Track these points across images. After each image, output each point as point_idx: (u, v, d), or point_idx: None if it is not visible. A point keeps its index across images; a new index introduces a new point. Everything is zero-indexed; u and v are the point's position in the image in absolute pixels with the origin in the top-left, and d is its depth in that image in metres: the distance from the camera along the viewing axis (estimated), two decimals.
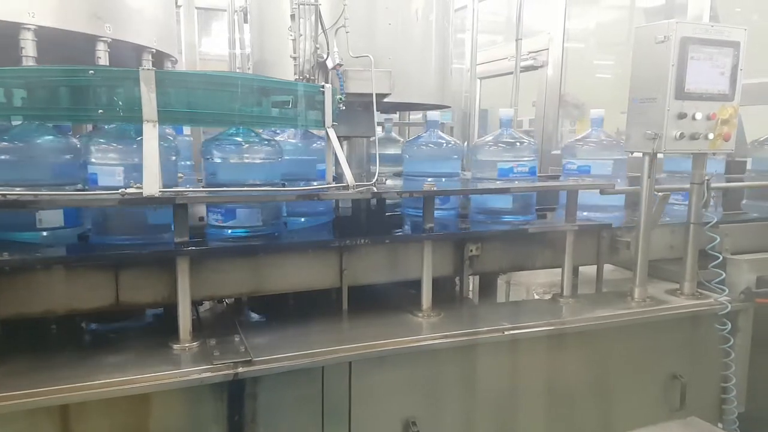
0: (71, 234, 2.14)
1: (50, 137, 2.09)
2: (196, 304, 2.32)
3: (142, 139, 1.95)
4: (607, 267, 2.95)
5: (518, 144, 2.77)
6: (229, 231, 2.28)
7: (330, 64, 2.40)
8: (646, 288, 2.68)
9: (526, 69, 5.79)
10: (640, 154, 2.57)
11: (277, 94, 2.18)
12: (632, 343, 2.58)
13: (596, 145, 3.08)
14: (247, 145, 2.27)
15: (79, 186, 2.15)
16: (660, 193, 2.70)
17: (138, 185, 1.90)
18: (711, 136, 2.49)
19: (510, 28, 5.99)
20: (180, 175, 2.42)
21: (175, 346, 2.01)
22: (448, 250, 2.54)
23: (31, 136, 2.05)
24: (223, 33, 5.24)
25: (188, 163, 2.92)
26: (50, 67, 1.94)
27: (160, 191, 1.91)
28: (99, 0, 2.32)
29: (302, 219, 2.57)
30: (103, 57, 2.34)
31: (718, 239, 2.65)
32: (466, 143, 4.95)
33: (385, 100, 2.58)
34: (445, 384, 2.28)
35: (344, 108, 2.38)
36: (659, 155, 2.55)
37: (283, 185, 2.32)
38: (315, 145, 2.61)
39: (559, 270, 2.67)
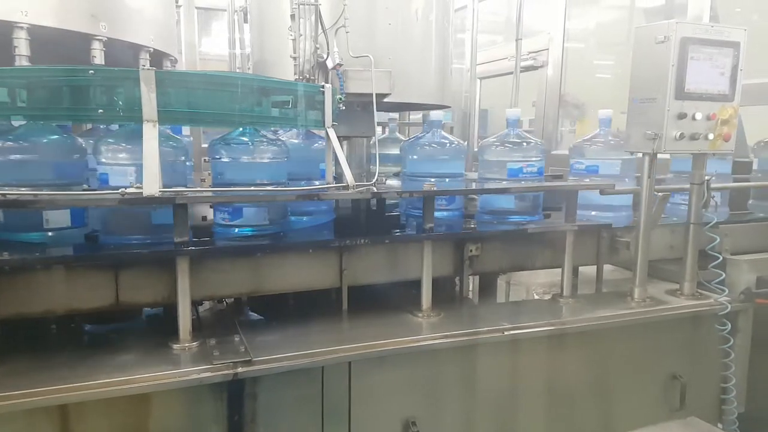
0: (78, 234, 2.14)
1: (56, 137, 2.09)
2: (196, 304, 2.32)
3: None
4: (607, 267, 2.96)
5: (527, 144, 2.78)
6: (236, 230, 2.29)
7: (330, 64, 2.40)
8: (646, 288, 2.68)
9: (526, 69, 5.79)
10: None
11: (277, 94, 2.18)
12: (632, 343, 2.58)
13: (604, 144, 3.08)
14: (253, 145, 2.28)
15: (85, 186, 2.15)
16: (660, 194, 2.70)
17: (138, 185, 1.90)
18: (711, 136, 2.49)
19: (510, 28, 5.99)
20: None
21: (175, 346, 2.01)
22: (448, 250, 2.54)
23: (36, 136, 2.05)
24: (223, 33, 5.24)
25: (188, 163, 2.92)
26: (50, 66, 1.94)
27: (160, 191, 1.91)
28: None
29: (305, 218, 2.58)
30: (98, 56, 2.33)
31: (718, 239, 2.65)
32: (466, 143, 4.94)
33: (385, 100, 2.58)
34: (445, 384, 2.28)
35: (344, 108, 2.38)
36: (665, 155, 2.55)
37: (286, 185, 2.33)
38: (316, 144, 2.61)
39: (559, 270, 2.67)
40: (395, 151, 3.20)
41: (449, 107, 3.10)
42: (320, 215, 2.65)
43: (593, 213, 2.97)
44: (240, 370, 1.90)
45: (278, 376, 1.99)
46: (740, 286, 2.74)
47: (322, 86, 2.26)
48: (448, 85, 3.00)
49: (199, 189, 2.18)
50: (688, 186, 2.70)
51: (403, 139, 3.70)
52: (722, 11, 4.21)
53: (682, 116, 2.42)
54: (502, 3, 7.01)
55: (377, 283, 2.50)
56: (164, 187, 2.03)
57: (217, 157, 2.29)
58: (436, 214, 2.68)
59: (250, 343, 2.06)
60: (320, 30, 2.39)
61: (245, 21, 4.07)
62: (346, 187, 2.28)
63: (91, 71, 1.88)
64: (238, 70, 4.83)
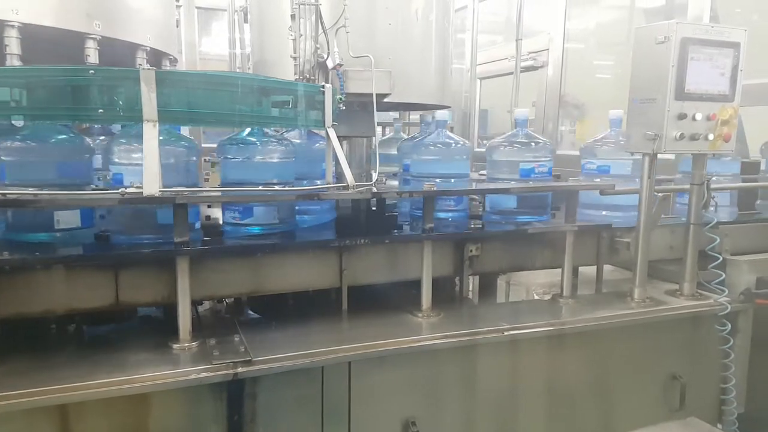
0: (88, 234, 2.14)
1: (63, 137, 2.09)
2: (195, 303, 2.32)
3: (165, 138, 2.02)
4: (607, 267, 2.96)
5: (539, 144, 2.79)
6: (246, 228, 2.31)
7: (330, 64, 2.40)
8: (646, 288, 2.68)
9: (526, 69, 5.81)
10: (639, 155, 2.57)
11: (277, 94, 2.18)
12: (632, 343, 2.58)
13: (615, 145, 3.07)
14: (261, 146, 2.31)
15: (93, 186, 2.15)
16: (660, 194, 2.70)
17: (138, 185, 1.90)
18: (711, 136, 2.49)
19: (510, 29, 6.00)
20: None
21: (175, 346, 2.01)
22: (448, 250, 2.54)
23: (43, 136, 2.05)
24: (224, 33, 5.25)
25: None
26: (50, 66, 1.94)
27: (160, 191, 1.91)
28: None
29: (307, 216, 2.59)
30: (92, 55, 2.33)
31: (718, 240, 2.65)
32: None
33: (385, 100, 2.58)
34: (445, 384, 2.28)
35: (344, 108, 2.38)
36: (670, 156, 2.55)
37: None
38: (317, 144, 2.61)
39: (559, 270, 2.67)
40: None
41: (449, 107, 3.11)
42: (323, 214, 2.67)
43: (603, 213, 2.97)
44: (240, 370, 1.90)
45: (278, 376, 1.99)
46: (740, 286, 2.74)
47: (323, 86, 2.26)
48: (448, 85, 3.00)
49: (199, 189, 2.18)
50: (687, 186, 2.70)
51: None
52: (722, 11, 4.21)
53: (682, 117, 2.42)
54: (502, 3, 7.01)
55: (377, 283, 2.50)
56: (178, 186, 2.08)
57: (226, 157, 2.32)
58: (444, 214, 2.71)
59: (249, 343, 2.06)
60: (320, 30, 2.39)
61: (245, 21, 4.07)
62: (346, 187, 2.28)
63: (92, 71, 1.88)
64: (238, 70, 4.83)
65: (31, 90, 1.86)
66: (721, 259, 2.66)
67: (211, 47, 5.97)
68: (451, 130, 3.82)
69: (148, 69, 1.88)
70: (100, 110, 1.89)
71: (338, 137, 2.34)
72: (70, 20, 2.25)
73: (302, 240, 2.39)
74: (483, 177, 3.27)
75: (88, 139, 2.21)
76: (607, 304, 2.64)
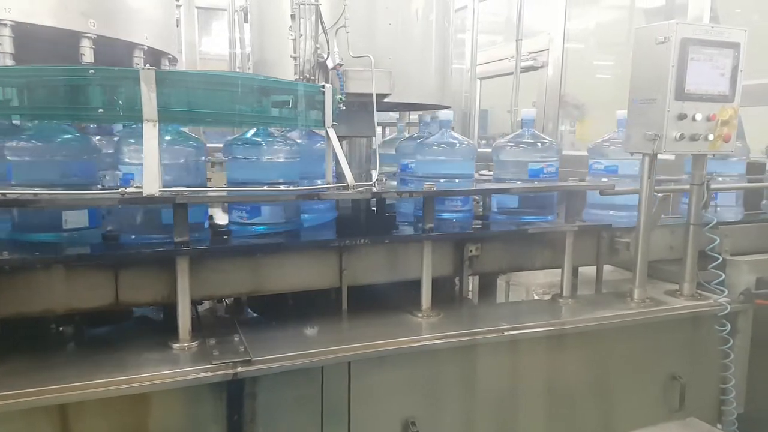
0: (96, 234, 2.15)
1: (69, 136, 2.09)
2: (195, 303, 2.32)
3: (173, 138, 2.04)
4: (607, 268, 2.96)
5: (547, 144, 2.79)
6: (253, 227, 2.32)
7: (330, 64, 2.40)
8: (646, 289, 2.68)
9: (526, 69, 5.80)
10: (632, 155, 2.57)
11: (277, 94, 2.18)
12: (631, 343, 2.58)
13: (623, 145, 3.06)
14: (266, 146, 2.32)
15: (99, 186, 2.16)
16: (660, 194, 2.70)
17: (138, 185, 1.90)
18: (711, 137, 2.49)
19: (510, 29, 6.00)
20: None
21: (175, 346, 2.01)
22: (448, 251, 2.54)
23: (48, 137, 2.05)
24: (224, 32, 5.25)
25: None
26: (50, 66, 1.93)
27: (159, 191, 1.91)
28: None
29: (309, 216, 2.60)
30: (87, 54, 2.31)
31: (718, 240, 2.65)
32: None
33: (385, 100, 2.58)
34: (445, 384, 2.28)
35: (344, 108, 2.38)
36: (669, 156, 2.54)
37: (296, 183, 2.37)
38: (318, 144, 2.62)
39: (559, 270, 2.67)
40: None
41: (449, 107, 3.10)
42: (324, 213, 2.68)
43: (611, 212, 2.96)
44: (239, 369, 1.90)
45: (278, 375, 1.99)
46: (740, 286, 2.74)
47: (323, 86, 2.26)
48: (448, 85, 3.00)
49: (199, 189, 2.17)
50: (687, 187, 2.70)
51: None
52: (722, 12, 4.21)
53: (682, 117, 2.42)
54: (502, 3, 7.01)
55: (377, 283, 2.50)
56: (188, 186, 2.10)
57: (232, 157, 2.34)
58: (450, 215, 2.71)
59: (249, 342, 2.06)
60: (320, 30, 2.39)
61: (245, 21, 4.07)
62: (346, 187, 2.28)
63: (91, 71, 1.88)
64: (238, 70, 4.83)
65: (31, 90, 1.86)
66: (720, 259, 2.66)
67: (211, 47, 5.97)
68: (452, 130, 3.82)
69: (148, 69, 1.88)
70: (100, 110, 1.89)
71: (338, 137, 2.34)
72: (64, 19, 2.23)
73: (302, 240, 2.40)
74: (483, 177, 3.27)
75: (94, 139, 2.21)
76: (607, 304, 2.64)
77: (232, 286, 2.21)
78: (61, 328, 2.22)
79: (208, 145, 2.45)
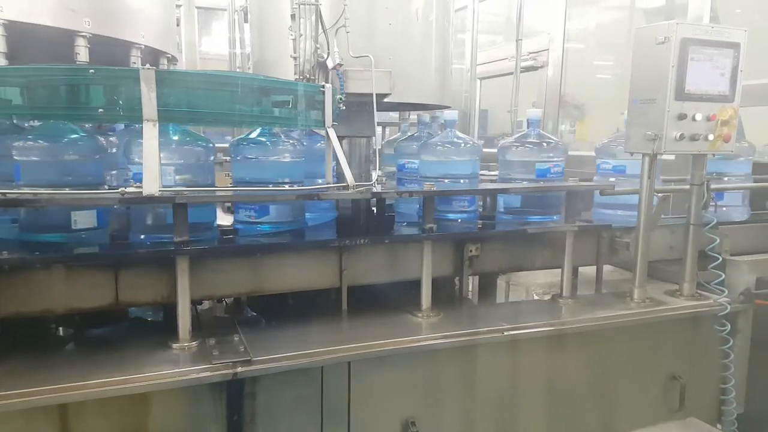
0: (104, 234, 2.15)
1: (76, 136, 2.09)
2: (195, 303, 2.32)
3: (181, 138, 2.06)
4: (607, 268, 2.96)
5: (553, 144, 2.80)
6: (259, 226, 2.35)
7: (330, 64, 2.40)
8: (646, 289, 2.68)
9: (527, 69, 5.80)
10: (640, 155, 2.57)
11: (277, 93, 2.18)
12: (631, 343, 2.58)
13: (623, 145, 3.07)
14: (271, 146, 2.34)
15: (106, 186, 2.16)
16: (660, 194, 2.70)
17: (138, 184, 1.90)
18: (711, 137, 2.49)
19: (510, 29, 6.00)
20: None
21: (175, 346, 2.01)
22: (448, 251, 2.54)
23: (55, 136, 2.05)
24: (224, 32, 5.25)
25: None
26: (50, 66, 1.94)
27: (159, 190, 1.90)
28: None
29: (310, 215, 2.61)
30: (82, 53, 2.30)
31: (718, 240, 2.65)
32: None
33: (385, 100, 2.58)
34: (445, 384, 2.28)
35: (344, 108, 2.38)
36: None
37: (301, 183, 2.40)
38: (319, 144, 2.62)
39: (559, 270, 2.67)
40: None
41: (449, 107, 3.10)
42: (325, 212, 2.69)
43: (619, 212, 2.96)
44: (239, 369, 1.90)
45: (278, 375, 1.99)
46: (740, 286, 2.74)
47: (323, 86, 2.26)
48: (448, 85, 3.00)
49: (201, 188, 2.17)
50: (686, 187, 2.70)
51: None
52: (722, 12, 4.20)
53: (682, 117, 2.42)
54: (502, 3, 7.01)
55: (377, 283, 2.50)
56: (197, 185, 2.12)
57: (237, 157, 2.37)
58: (457, 215, 2.71)
59: (249, 342, 2.06)
60: (320, 30, 2.39)
61: (245, 21, 4.07)
62: (346, 187, 2.28)
63: (92, 71, 1.88)
64: (238, 70, 4.83)
65: (31, 89, 1.86)
66: (720, 259, 2.66)
67: (211, 47, 5.97)
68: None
69: (148, 68, 1.88)
70: (100, 110, 1.89)
71: (338, 137, 2.34)
72: (57, 17, 2.23)
73: (302, 240, 2.40)
74: (485, 177, 3.26)
75: (101, 139, 2.21)
76: (607, 304, 2.64)
77: (232, 286, 2.20)
78: (60, 328, 2.21)
79: None
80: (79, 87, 1.87)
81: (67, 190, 1.95)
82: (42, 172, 1.99)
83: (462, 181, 2.71)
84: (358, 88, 2.44)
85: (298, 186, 2.35)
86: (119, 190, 1.90)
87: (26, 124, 2.25)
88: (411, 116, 5.12)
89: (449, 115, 2.78)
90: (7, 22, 2.11)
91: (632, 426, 2.34)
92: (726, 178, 3.15)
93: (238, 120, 2.16)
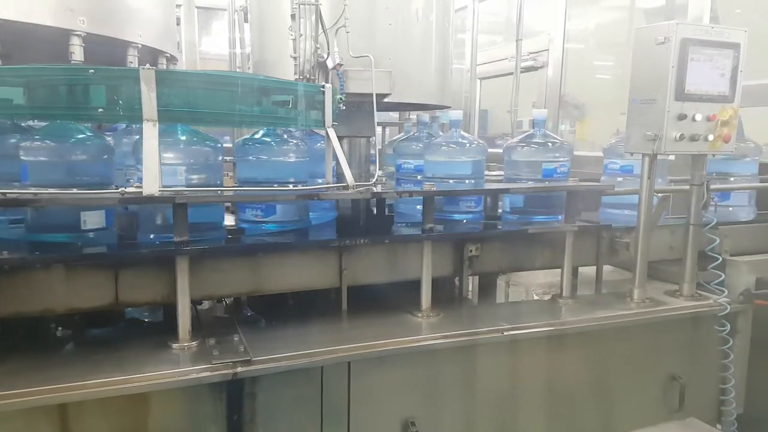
0: (112, 234, 2.16)
1: (83, 136, 2.09)
2: (195, 303, 2.32)
3: (189, 138, 2.08)
4: (607, 268, 2.96)
5: (556, 144, 2.81)
6: (264, 226, 2.37)
7: (330, 64, 2.40)
8: (646, 289, 2.68)
9: (527, 69, 5.80)
10: (640, 156, 2.57)
11: (277, 93, 2.18)
12: (631, 344, 2.58)
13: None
14: (276, 146, 2.36)
15: (114, 186, 2.15)
16: (660, 194, 2.70)
17: (138, 184, 1.90)
18: (711, 137, 2.49)
19: (510, 29, 6.00)
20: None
21: (174, 346, 2.01)
22: (448, 251, 2.54)
23: (63, 137, 2.05)
24: (224, 32, 5.24)
25: None
26: (49, 66, 1.93)
27: (159, 190, 1.90)
28: None
29: (314, 214, 2.62)
30: (77, 52, 2.28)
31: (718, 240, 2.65)
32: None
33: (385, 100, 2.57)
34: (445, 384, 2.28)
35: (344, 108, 2.38)
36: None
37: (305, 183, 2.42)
38: (318, 144, 2.62)
39: (559, 270, 2.67)
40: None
41: (449, 107, 3.10)
42: (329, 212, 2.71)
43: (626, 212, 2.96)
44: (239, 369, 1.90)
45: (277, 375, 1.99)
46: (739, 287, 2.74)
47: (323, 86, 2.26)
48: (448, 85, 3.00)
49: (202, 188, 2.17)
50: (686, 187, 2.70)
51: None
52: (722, 12, 4.20)
53: (682, 117, 2.42)
54: (502, 3, 7.01)
55: (377, 283, 2.50)
56: (207, 185, 2.14)
57: (242, 156, 2.39)
58: (464, 216, 2.72)
59: (249, 342, 2.06)
60: (320, 30, 2.39)
61: (245, 20, 4.07)
62: (346, 187, 2.28)
63: (91, 70, 1.88)
64: (238, 70, 4.83)
65: (31, 89, 1.86)
66: (720, 259, 2.66)
67: (211, 47, 5.97)
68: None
69: (148, 68, 1.88)
70: (100, 110, 1.89)
71: (338, 137, 2.34)
72: (51, 16, 2.20)
73: (302, 240, 2.40)
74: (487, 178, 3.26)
75: (109, 139, 2.21)
76: (607, 304, 2.64)
77: (231, 286, 2.20)
78: (60, 328, 2.21)
79: None
80: (79, 87, 1.86)
81: (74, 191, 1.95)
82: (49, 173, 2.00)
83: (467, 181, 2.71)
84: (358, 88, 2.44)
85: (302, 186, 2.36)
86: (119, 190, 1.90)
87: (23, 123, 2.25)
88: (412, 116, 5.13)
89: (454, 115, 2.79)
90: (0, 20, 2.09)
91: (632, 426, 2.34)
92: (732, 179, 3.15)
93: (238, 120, 2.16)
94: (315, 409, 2.09)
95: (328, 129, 2.29)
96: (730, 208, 3.10)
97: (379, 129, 3.07)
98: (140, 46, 2.62)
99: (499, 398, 2.37)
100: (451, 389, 2.30)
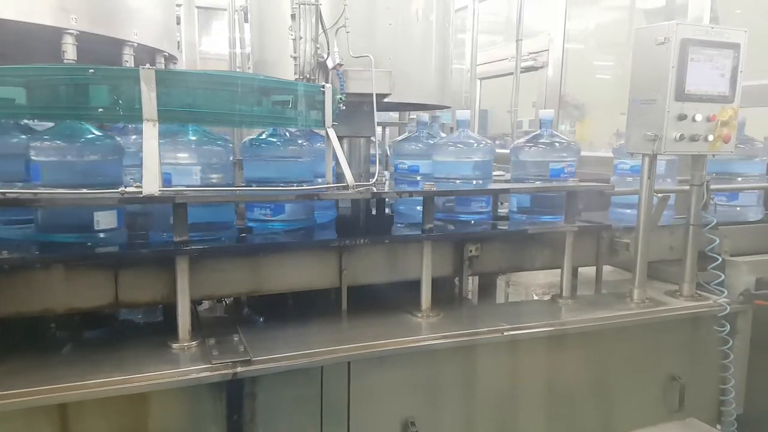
0: (124, 234, 2.16)
1: (91, 136, 2.09)
2: (195, 303, 2.32)
3: (199, 138, 2.10)
4: (607, 268, 2.96)
5: (566, 144, 2.82)
6: (271, 224, 2.40)
7: (330, 64, 2.40)
8: (645, 289, 2.68)
9: (527, 69, 5.81)
10: (640, 155, 2.57)
11: (277, 93, 2.18)
12: (631, 344, 2.58)
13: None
14: (280, 146, 2.39)
15: (123, 186, 2.16)
16: (659, 194, 2.70)
17: (138, 184, 1.90)
18: (711, 137, 2.49)
19: (510, 29, 6.00)
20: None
21: (174, 346, 2.01)
22: (448, 251, 2.54)
23: (71, 137, 2.05)
24: (224, 32, 5.24)
25: None
26: (49, 65, 1.93)
27: (159, 190, 1.90)
28: None
29: (317, 213, 2.63)
30: (70, 51, 2.27)
31: (718, 241, 2.65)
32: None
33: (385, 100, 2.58)
34: (444, 384, 2.28)
35: (344, 108, 2.38)
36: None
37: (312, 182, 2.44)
38: (319, 144, 2.62)
39: (559, 271, 2.67)
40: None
41: (449, 107, 3.10)
42: (331, 211, 2.72)
43: (631, 211, 2.94)
44: (239, 369, 1.90)
45: (277, 375, 1.99)
46: (739, 287, 2.74)
47: (323, 86, 2.26)
48: (448, 85, 2.99)
49: (203, 188, 2.17)
50: (686, 187, 2.70)
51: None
52: (722, 12, 4.21)
53: (682, 117, 2.42)
54: (503, 3, 7.02)
55: (377, 283, 2.50)
56: (218, 185, 2.15)
57: (249, 156, 2.41)
58: (476, 216, 2.75)
59: (249, 342, 2.06)
60: (320, 30, 2.39)
61: (245, 20, 4.06)
62: (346, 187, 2.28)
63: (91, 70, 1.88)
64: (238, 70, 4.83)
65: (31, 89, 1.86)
66: (720, 260, 2.66)
67: (211, 47, 5.96)
68: (451, 130, 3.82)
69: (148, 68, 1.88)
70: (100, 110, 1.89)
71: (338, 137, 2.34)
72: (42, 14, 2.18)
73: (302, 240, 2.40)
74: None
75: (118, 139, 2.21)
76: (607, 304, 2.64)
77: (231, 285, 2.20)
78: (60, 328, 2.21)
79: None
80: (79, 87, 1.86)
81: (83, 191, 1.95)
82: (62, 173, 2.00)
83: (475, 181, 2.72)
84: (358, 88, 2.44)
85: (308, 185, 2.37)
86: (119, 189, 1.89)
87: (22, 122, 2.24)
88: (411, 116, 5.12)
89: (461, 115, 2.79)
90: None
91: (632, 426, 2.34)
92: (739, 179, 3.16)
93: (238, 120, 2.16)
94: (315, 409, 2.09)
95: (328, 129, 2.29)
96: (738, 208, 3.10)
97: (379, 129, 3.07)
98: (136, 44, 2.61)
99: (499, 398, 2.37)
100: (451, 389, 2.30)
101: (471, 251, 2.53)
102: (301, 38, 2.34)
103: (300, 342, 2.10)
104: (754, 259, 2.84)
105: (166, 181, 2.08)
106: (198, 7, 5.28)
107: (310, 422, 2.09)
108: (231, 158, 2.30)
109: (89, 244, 2.04)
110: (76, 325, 2.23)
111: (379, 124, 2.63)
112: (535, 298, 2.89)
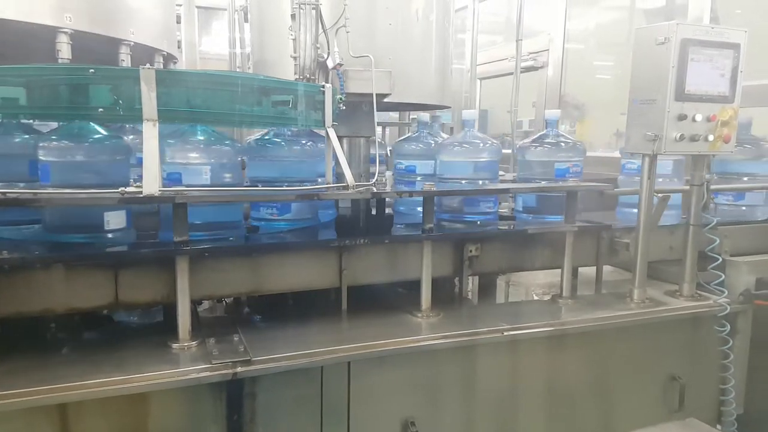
0: (132, 234, 2.17)
1: (98, 136, 2.09)
2: (195, 303, 2.32)
3: (207, 138, 2.12)
4: (607, 268, 2.96)
5: (572, 145, 2.82)
6: (277, 224, 2.43)
7: (330, 64, 2.40)
8: (646, 289, 2.68)
9: (527, 69, 5.80)
10: (640, 156, 2.57)
11: (277, 93, 2.18)
12: (631, 344, 2.58)
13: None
14: (284, 146, 2.40)
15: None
16: (660, 194, 2.70)
17: (138, 184, 1.90)
18: (711, 137, 2.49)
19: (510, 29, 6.00)
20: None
21: (174, 346, 2.01)
22: (448, 251, 2.54)
23: (78, 137, 2.05)
24: (224, 32, 5.24)
25: None
26: (49, 65, 1.93)
27: (159, 190, 1.90)
28: None
29: (320, 213, 2.66)
30: (64, 50, 2.26)
31: (718, 241, 2.65)
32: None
33: (385, 100, 2.58)
34: (444, 384, 2.28)
35: (344, 108, 2.38)
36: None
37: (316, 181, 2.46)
38: (318, 144, 2.62)
39: (559, 271, 2.67)
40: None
41: (449, 107, 3.10)
42: (332, 211, 2.73)
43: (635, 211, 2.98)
44: (239, 369, 1.90)
45: (277, 375, 1.99)
46: (739, 287, 2.74)
47: (323, 86, 2.26)
48: (448, 85, 3.00)
49: (203, 188, 2.17)
50: (686, 187, 2.70)
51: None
52: (722, 12, 4.21)
53: (682, 117, 2.42)
54: (503, 3, 7.01)
55: (377, 283, 2.50)
56: (228, 186, 2.16)
57: (254, 156, 2.43)
58: (483, 217, 2.75)
59: (249, 342, 2.06)
60: (321, 30, 2.39)
61: (245, 20, 4.06)
62: (346, 187, 2.28)
63: (91, 70, 1.88)
64: (238, 70, 4.83)
65: (31, 89, 1.86)
66: (720, 260, 2.66)
67: (211, 46, 5.96)
68: (451, 130, 3.82)
69: (148, 68, 1.88)
70: (100, 109, 1.89)
71: (338, 137, 2.34)
72: (42, 14, 2.18)
73: (302, 240, 2.40)
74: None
75: (125, 139, 2.21)
76: (607, 304, 2.64)
77: (232, 285, 2.20)
78: (60, 328, 2.21)
79: None
80: (79, 86, 1.86)
81: (84, 191, 1.95)
82: (70, 174, 2.00)
83: (481, 182, 2.73)
84: (358, 88, 2.44)
85: (311, 185, 2.38)
86: (119, 189, 1.89)
87: (21, 121, 2.24)
88: (411, 116, 5.12)
89: (468, 114, 2.79)
90: None
91: (632, 426, 2.34)
92: (745, 178, 3.16)
93: (238, 120, 2.16)
94: (315, 409, 2.09)
95: (328, 129, 2.29)
96: (743, 208, 3.11)
97: (379, 129, 3.06)
98: (132, 44, 2.60)
99: (499, 398, 2.37)
100: (451, 389, 2.30)
101: (471, 251, 2.53)
102: (301, 38, 2.34)
103: (300, 342, 2.10)
104: (755, 259, 2.84)
105: (177, 180, 2.09)
106: (198, 7, 5.28)
107: (310, 422, 2.09)
108: (239, 158, 2.31)
109: (96, 244, 2.04)
110: (76, 325, 2.23)
111: (379, 124, 2.63)
112: (535, 298, 2.89)
